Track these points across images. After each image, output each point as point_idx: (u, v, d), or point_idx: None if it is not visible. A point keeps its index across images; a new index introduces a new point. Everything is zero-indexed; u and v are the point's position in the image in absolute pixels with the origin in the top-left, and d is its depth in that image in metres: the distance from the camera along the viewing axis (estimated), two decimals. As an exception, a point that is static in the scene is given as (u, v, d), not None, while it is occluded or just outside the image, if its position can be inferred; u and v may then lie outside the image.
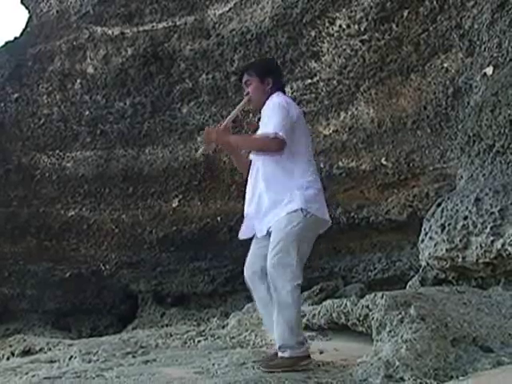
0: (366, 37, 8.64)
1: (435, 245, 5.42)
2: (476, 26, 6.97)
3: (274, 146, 4.32)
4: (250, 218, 4.73)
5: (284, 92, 4.75)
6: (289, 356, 4.16)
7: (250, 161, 4.72)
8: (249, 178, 4.75)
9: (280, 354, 4.22)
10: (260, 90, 4.65)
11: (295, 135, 4.37)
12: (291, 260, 4.25)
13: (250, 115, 9.80)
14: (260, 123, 4.62)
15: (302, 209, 4.34)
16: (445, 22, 7.80)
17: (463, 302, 4.17)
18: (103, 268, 12.08)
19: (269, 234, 4.47)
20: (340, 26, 8.87)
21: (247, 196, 4.77)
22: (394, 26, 8.33)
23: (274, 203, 4.44)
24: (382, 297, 4.00)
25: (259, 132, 4.53)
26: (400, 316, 3.75)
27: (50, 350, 7.31)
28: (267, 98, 4.59)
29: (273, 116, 4.36)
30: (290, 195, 4.38)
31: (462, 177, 5.99)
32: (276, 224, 4.38)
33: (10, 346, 7.98)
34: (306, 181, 4.46)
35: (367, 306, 4.69)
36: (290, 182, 4.42)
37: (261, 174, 4.51)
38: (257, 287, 4.56)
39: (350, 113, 9.26)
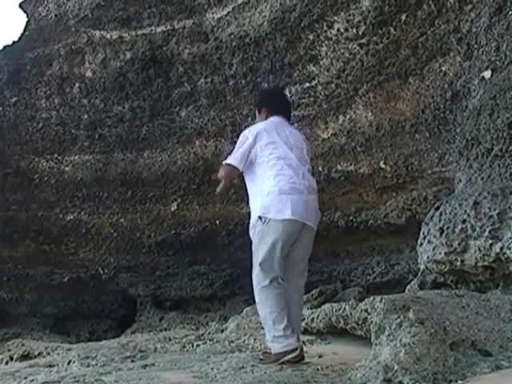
0: (364, 40, 8.64)
1: (434, 248, 5.42)
2: (474, 30, 6.98)
3: (224, 172, 4.99)
4: None
5: (281, 113, 5.21)
6: (273, 353, 4.41)
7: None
8: None
9: (272, 351, 4.52)
10: (258, 121, 5.20)
11: (255, 148, 4.86)
12: (255, 264, 4.68)
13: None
14: None
15: (259, 217, 4.75)
16: (443, 26, 7.80)
17: (462, 306, 4.17)
18: (102, 272, 12.07)
19: None
20: (338, 29, 8.87)
21: None
22: (392, 29, 8.33)
23: (251, 215, 4.92)
24: (381, 300, 4.01)
25: None
26: (399, 320, 3.75)
27: (48, 354, 7.30)
28: None
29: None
30: (254, 205, 4.88)
31: (460, 180, 6.00)
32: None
33: (9, 350, 7.96)
34: (267, 186, 4.79)
35: (366, 310, 4.69)
36: (254, 192, 4.93)
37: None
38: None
39: (348, 116, 9.26)
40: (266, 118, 5.09)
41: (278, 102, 5.38)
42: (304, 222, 4.73)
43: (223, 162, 4.97)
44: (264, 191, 4.74)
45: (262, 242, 4.67)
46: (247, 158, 4.85)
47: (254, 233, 4.78)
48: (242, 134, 5.02)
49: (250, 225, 4.86)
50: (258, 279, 4.60)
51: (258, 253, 4.66)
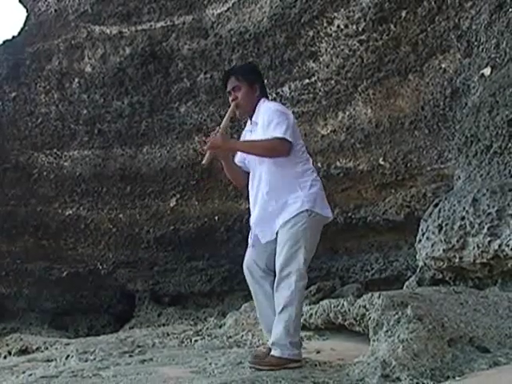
0: (364, 37, 8.64)
1: (432, 245, 5.43)
2: (474, 27, 6.98)
3: (284, 149, 4.33)
4: (254, 227, 4.63)
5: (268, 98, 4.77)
6: (278, 356, 4.17)
7: (244, 172, 4.71)
8: (250, 189, 4.68)
9: (271, 352, 4.23)
10: (249, 97, 4.62)
11: (294, 139, 4.37)
12: (298, 261, 4.29)
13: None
14: (254, 129, 4.59)
15: (306, 209, 4.36)
16: (443, 23, 7.81)
17: (460, 303, 4.17)
18: (100, 267, 12.07)
19: (275, 237, 4.46)
20: (338, 26, 8.87)
21: (251, 206, 4.69)
22: (392, 26, 8.33)
23: (279, 208, 4.42)
24: (379, 297, 4.01)
25: (260, 137, 4.45)
26: (397, 316, 3.75)
27: (46, 349, 7.31)
28: (255, 105, 4.60)
29: (275, 120, 4.34)
30: (295, 197, 4.38)
31: (459, 177, 6.00)
32: (282, 226, 4.39)
33: (7, 345, 7.97)
34: (310, 179, 4.44)
35: (364, 306, 4.69)
36: (293, 183, 4.42)
37: (264, 180, 4.47)
38: (258, 285, 4.53)
39: (347, 113, 9.26)
40: (257, 96, 4.59)
41: (263, 81, 4.96)
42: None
43: (276, 136, 4.26)
44: (306, 183, 4.40)
45: (307, 236, 4.37)
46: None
47: (293, 224, 4.32)
48: (278, 111, 4.42)
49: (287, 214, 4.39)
50: (302, 276, 4.27)
51: (307, 248, 4.33)
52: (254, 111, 4.61)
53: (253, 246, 4.66)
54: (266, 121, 4.41)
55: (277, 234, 4.43)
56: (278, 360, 4.15)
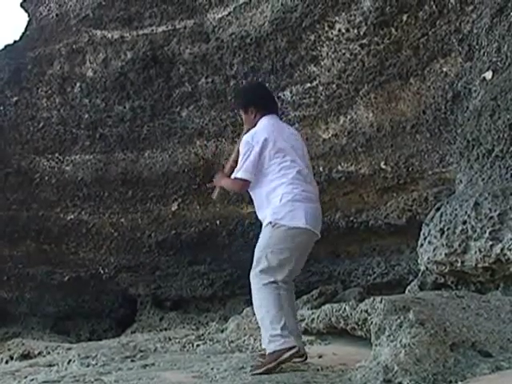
0: (365, 41, 8.64)
1: (434, 249, 5.42)
2: (475, 31, 6.97)
3: (237, 188, 5.03)
4: None
5: (272, 110, 5.06)
6: (271, 351, 4.26)
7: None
8: None
9: (266, 352, 4.36)
10: (248, 121, 5.07)
11: (264, 157, 4.70)
12: (256, 267, 4.59)
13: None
14: None
15: (270, 222, 4.63)
16: (444, 27, 7.81)
17: (462, 307, 4.16)
18: (102, 272, 12.07)
19: None
20: (339, 30, 8.87)
21: None
22: (393, 30, 8.34)
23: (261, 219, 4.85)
24: (381, 301, 4.00)
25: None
26: (399, 320, 3.75)
27: (48, 353, 7.31)
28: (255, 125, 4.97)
29: (240, 154, 4.81)
30: (265, 213, 4.73)
31: (461, 181, 6.00)
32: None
33: (9, 349, 7.97)
34: (281, 193, 4.67)
35: (366, 311, 4.69)
36: (265, 201, 4.76)
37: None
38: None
39: (349, 117, 9.26)
40: (255, 118, 4.95)
41: (263, 97, 5.19)
42: (314, 231, 4.70)
43: (233, 177, 4.80)
44: (276, 198, 4.64)
45: (269, 248, 4.56)
46: (256, 167, 4.70)
47: (261, 237, 4.68)
48: (245, 141, 4.79)
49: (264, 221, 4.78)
50: (257, 279, 4.53)
51: (263, 258, 4.54)
52: None
53: None
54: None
55: None
56: (270, 356, 4.28)
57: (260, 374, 4.17)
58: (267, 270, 4.50)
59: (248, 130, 4.95)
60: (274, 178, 4.69)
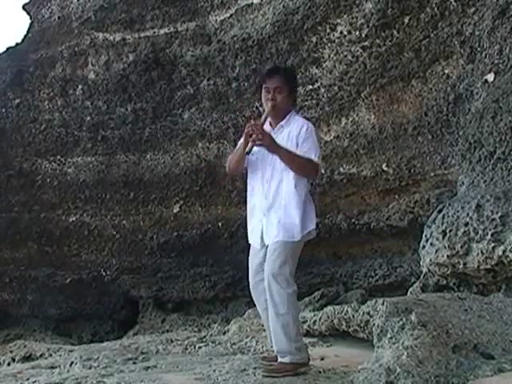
0: (367, 43, 8.64)
1: (436, 251, 5.43)
2: (477, 33, 6.98)
3: (315, 174, 4.64)
4: (259, 222, 4.75)
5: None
6: (289, 361, 4.23)
7: (242, 167, 4.85)
8: (256, 180, 4.78)
9: (280, 360, 4.29)
10: (286, 103, 4.69)
11: None
12: (289, 269, 4.42)
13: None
14: (277, 133, 4.64)
15: (312, 229, 4.54)
16: (446, 29, 7.80)
17: (464, 309, 4.17)
18: (104, 274, 12.07)
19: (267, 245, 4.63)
20: (341, 32, 8.88)
21: (254, 201, 4.85)
22: (395, 32, 8.34)
23: (281, 218, 4.53)
24: (383, 303, 4.00)
25: (284, 145, 4.52)
26: (401, 322, 3.75)
27: (50, 355, 7.32)
28: (287, 112, 4.69)
29: (312, 141, 4.49)
30: (293, 212, 4.49)
31: (463, 183, 6.00)
32: (276, 237, 4.52)
33: (11, 351, 7.98)
34: (307, 198, 4.59)
35: (368, 313, 4.70)
36: (294, 199, 4.51)
37: (284, 189, 4.56)
38: (261, 295, 4.59)
39: (350, 119, 9.26)
40: (289, 104, 4.72)
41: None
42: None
43: (315, 161, 4.45)
44: (310, 200, 4.60)
45: (296, 249, 4.52)
46: None
47: (284, 236, 4.47)
48: (315, 130, 4.63)
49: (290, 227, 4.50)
50: (289, 283, 4.38)
51: (289, 258, 4.44)
52: (282, 118, 4.68)
53: (253, 249, 4.79)
54: (302, 136, 4.51)
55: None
56: (290, 366, 4.25)
57: (275, 377, 4.18)
58: (292, 273, 4.43)
59: (275, 108, 4.64)
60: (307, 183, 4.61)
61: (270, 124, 4.71)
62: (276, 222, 4.52)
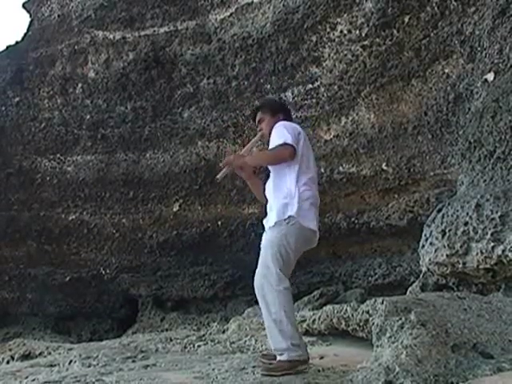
0: (366, 42, 8.65)
1: (436, 250, 5.42)
2: (477, 32, 6.98)
3: (286, 153, 4.58)
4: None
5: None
6: (286, 359, 4.21)
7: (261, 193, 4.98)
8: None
9: (278, 358, 4.28)
10: (271, 124, 4.94)
11: (299, 146, 4.64)
12: (279, 266, 4.41)
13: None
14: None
15: (289, 216, 4.51)
16: (446, 28, 7.80)
17: (464, 308, 4.16)
18: (103, 272, 12.07)
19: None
20: (341, 31, 8.88)
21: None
22: (395, 31, 8.34)
23: (270, 210, 4.69)
24: (383, 302, 4.00)
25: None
26: (400, 322, 3.75)
27: (49, 354, 7.30)
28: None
29: (276, 133, 4.69)
30: (279, 202, 4.58)
31: (462, 182, 5.99)
32: (266, 232, 4.61)
33: (10, 349, 7.96)
34: (300, 190, 4.60)
35: (367, 312, 4.70)
36: (287, 190, 4.59)
37: (271, 185, 4.78)
38: None
39: (350, 118, 9.27)
40: (279, 116, 5.04)
41: (291, 117, 5.39)
42: (316, 236, 4.70)
43: (279, 143, 4.56)
44: (295, 193, 4.57)
45: (284, 243, 4.47)
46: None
47: (277, 231, 4.49)
48: (280, 126, 4.75)
49: (271, 220, 4.57)
50: (280, 279, 4.36)
51: (281, 253, 4.43)
52: None
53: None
54: (272, 138, 4.74)
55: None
56: (289, 363, 4.22)
57: (274, 376, 4.16)
58: (284, 269, 4.40)
59: (263, 136, 5.03)
60: (295, 173, 4.63)
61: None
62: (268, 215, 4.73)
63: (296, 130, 4.74)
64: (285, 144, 4.54)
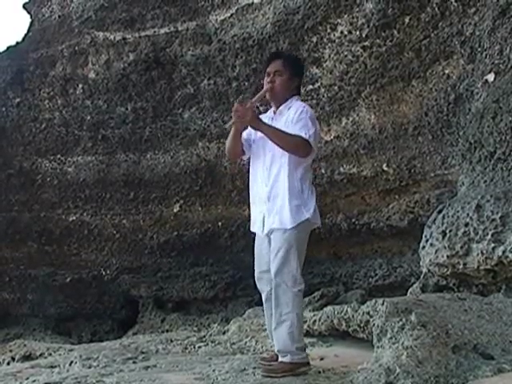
0: (367, 43, 8.64)
1: (436, 251, 5.42)
2: (477, 33, 6.98)
3: (304, 151, 4.38)
4: (260, 212, 4.62)
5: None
6: (289, 361, 4.21)
7: (242, 147, 4.70)
8: (255, 168, 4.69)
9: (280, 359, 4.28)
10: (286, 87, 4.63)
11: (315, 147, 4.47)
12: (295, 265, 4.32)
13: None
14: (276, 119, 4.60)
15: (308, 219, 4.40)
16: (446, 29, 7.80)
17: (464, 309, 4.17)
18: (104, 273, 12.07)
19: (269, 236, 4.49)
20: (341, 32, 8.88)
21: (256, 188, 4.67)
22: (395, 32, 8.34)
23: (278, 206, 4.44)
24: (383, 303, 4.01)
25: (282, 125, 4.48)
26: (401, 323, 3.75)
27: (50, 355, 7.31)
28: (288, 98, 4.62)
29: (306, 122, 4.39)
30: (287, 200, 4.40)
31: (463, 183, 6.00)
32: (279, 230, 4.40)
33: (11, 350, 7.97)
34: (306, 187, 4.48)
35: (368, 313, 4.70)
36: (290, 187, 4.43)
37: (282, 177, 4.46)
38: (266, 285, 4.54)
39: (351, 119, 9.26)
40: (292, 93, 4.69)
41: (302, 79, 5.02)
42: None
43: (305, 138, 4.30)
44: (307, 194, 4.46)
45: (303, 247, 4.41)
46: None
47: (295, 233, 4.34)
48: (311, 112, 4.52)
49: (286, 222, 4.36)
50: (296, 281, 4.29)
51: (299, 255, 4.34)
52: (282, 103, 4.62)
53: (257, 237, 4.68)
54: (296, 118, 4.43)
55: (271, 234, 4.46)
56: (290, 365, 4.22)
57: (274, 377, 4.16)
58: (299, 269, 4.32)
59: (272, 91, 4.61)
60: (306, 170, 4.53)
61: (274, 112, 4.68)
62: (274, 210, 4.45)
63: (317, 125, 4.56)
64: (307, 142, 4.32)
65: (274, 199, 4.46)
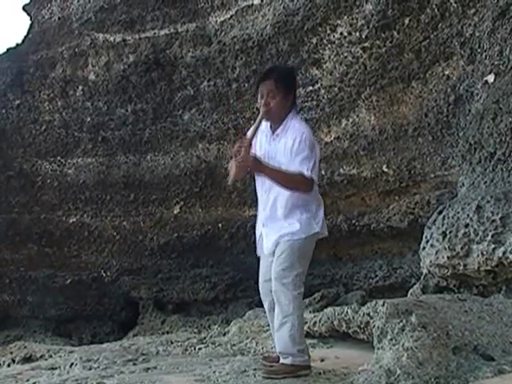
0: (367, 44, 8.64)
1: (436, 252, 5.42)
2: (477, 34, 6.98)
3: (306, 189, 4.36)
4: (260, 233, 4.71)
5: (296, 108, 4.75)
6: (290, 363, 4.22)
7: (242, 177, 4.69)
8: (258, 194, 4.70)
9: (281, 361, 4.29)
10: (281, 107, 4.49)
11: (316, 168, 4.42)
12: (298, 271, 4.34)
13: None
14: (275, 139, 4.52)
15: (315, 233, 4.50)
16: (446, 30, 7.80)
17: (464, 310, 4.17)
18: (104, 275, 12.07)
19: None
20: (341, 33, 8.88)
21: (259, 204, 4.72)
22: (395, 33, 8.34)
23: (277, 230, 4.47)
24: (383, 304, 4.00)
25: (281, 156, 4.41)
26: (401, 324, 3.75)
27: (50, 356, 7.31)
28: (284, 117, 4.51)
29: (307, 154, 4.32)
30: (290, 221, 4.43)
31: (463, 184, 6.00)
32: (283, 238, 4.43)
33: (11, 352, 7.97)
34: (309, 202, 4.50)
35: (368, 314, 4.70)
36: (291, 209, 4.44)
37: (280, 200, 4.46)
38: (268, 296, 4.56)
39: (351, 120, 9.26)
40: (288, 107, 4.52)
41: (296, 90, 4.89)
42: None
43: (307, 175, 4.24)
44: (316, 208, 4.52)
45: (308, 255, 4.48)
46: None
47: (303, 243, 4.40)
48: (311, 139, 4.39)
49: (296, 233, 4.39)
50: (296, 285, 4.31)
51: (307, 264, 4.44)
52: (279, 123, 4.53)
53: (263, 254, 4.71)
54: (295, 149, 4.35)
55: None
56: (291, 367, 4.23)
57: (275, 378, 4.17)
58: (302, 275, 4.36)
59: (269, 114, 4.49)
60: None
61: (270, 127, 4.62)
62: (273, 234, 4.47)
63: (317, 148, 4.50)
64: (309, 180, 4.28)
65: (272, 223, 4.51)
